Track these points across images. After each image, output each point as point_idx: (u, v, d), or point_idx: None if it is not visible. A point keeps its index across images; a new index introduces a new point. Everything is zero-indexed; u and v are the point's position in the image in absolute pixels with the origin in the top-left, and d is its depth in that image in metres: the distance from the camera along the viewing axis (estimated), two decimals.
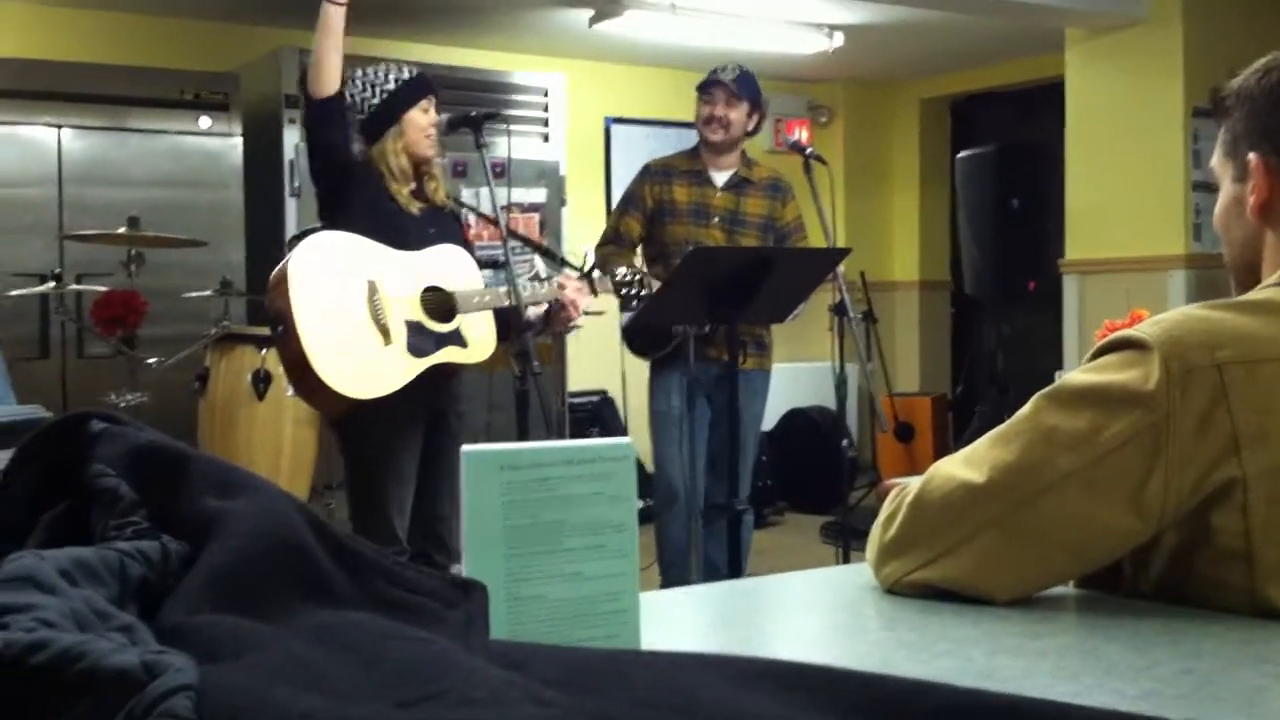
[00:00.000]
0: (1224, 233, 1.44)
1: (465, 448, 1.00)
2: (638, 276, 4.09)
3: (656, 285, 4.10)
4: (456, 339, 3.73)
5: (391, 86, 3.81)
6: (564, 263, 4.35)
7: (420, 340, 3.64)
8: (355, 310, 3.55)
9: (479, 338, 3.79)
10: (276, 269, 3.56)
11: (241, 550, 0.59)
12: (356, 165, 3.74)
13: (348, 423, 3.69)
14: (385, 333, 3.56)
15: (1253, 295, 1.33)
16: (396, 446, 3.70)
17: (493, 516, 1.00)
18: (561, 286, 3.92)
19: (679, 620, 1.32)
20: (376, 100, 3.79)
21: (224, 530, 0.60)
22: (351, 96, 3.80)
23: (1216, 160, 1.44)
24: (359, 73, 3.85)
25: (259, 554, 0.59)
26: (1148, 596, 1.30)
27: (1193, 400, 1.21)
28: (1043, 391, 1.31)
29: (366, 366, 3.52)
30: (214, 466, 0.67)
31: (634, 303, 4.12)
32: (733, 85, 4.56)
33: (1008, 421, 1.32)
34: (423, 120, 3.80)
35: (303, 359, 3.43)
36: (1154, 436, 1.22)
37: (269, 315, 3.62)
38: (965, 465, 1.32)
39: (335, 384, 3.44)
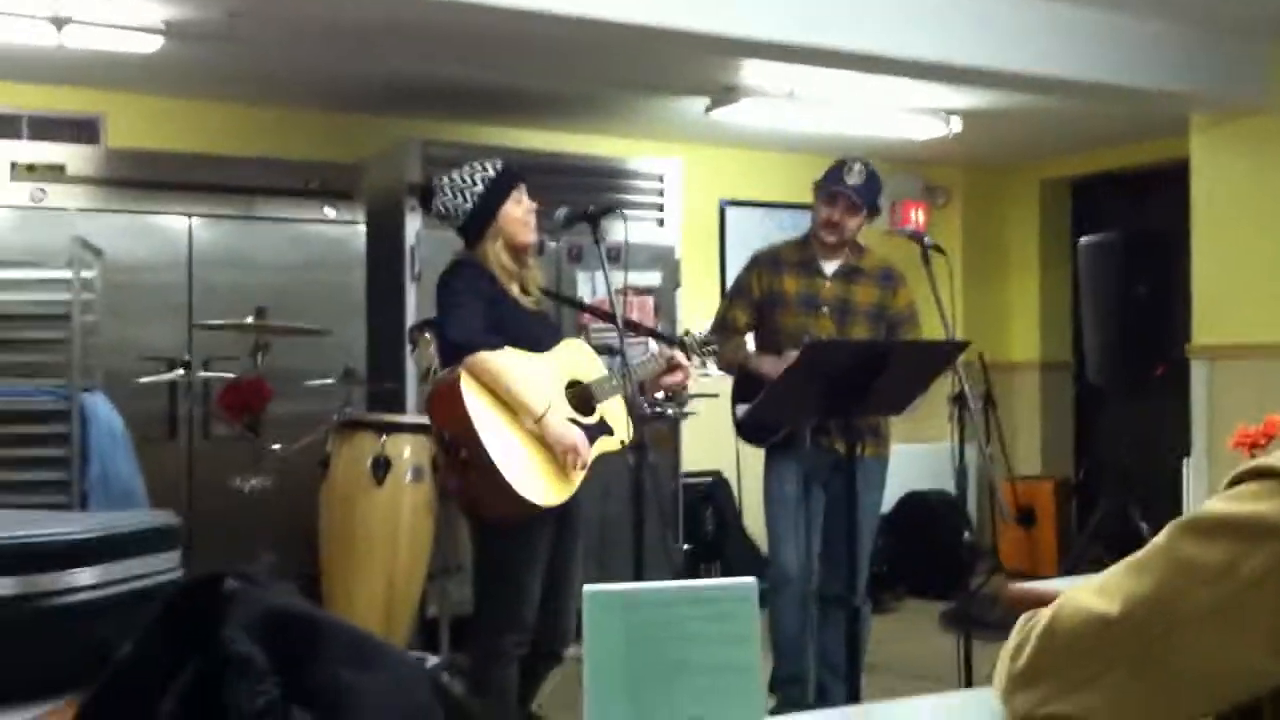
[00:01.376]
0: None
1: (588, 588, 1.00)
2: (706, 334, 4.32)
3: (751, 348, 4.29)
4: (605, 428, 3.84)
5: (480, 188, 3.82)
6: (659, 335, 4.46)
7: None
8: (519, 420, 3.68)
9: (619, 422, 3.88)
10: (441, 387, 3.68)
11: None
12: (478, 285, 3.77)
13: (500, 523, 3.77)
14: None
15: None
16: (538, 547, 3.78)
17: (615, 656, 1.00)
18: (671, 363, 4.04)
19: None
20: (469, 205, 3.82)
21: (357, 708, 0.60)
22: (444, 206, 3.86)
23: None
24: (445, 180, 3.88)
25: None
26: None
27: None
28: (1178, 521, 1.27)
29: (549, 472, 3.69)
30: (348, 635, 0.68)
31: (708, 362, 4.32)
32: (855, 196, 4.53)
33: (1142, 550, 1.28)
34: (517, 212, 3.85)
35: (494, 474, 3.56)
36: None
37: (440, 434, 3.75)
38: (1098, 595, 1.28)
39: (531, 495, 3.62)
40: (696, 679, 1.01)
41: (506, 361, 3.66)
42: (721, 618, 1.02)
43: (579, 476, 3.77)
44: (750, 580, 1.03)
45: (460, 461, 3.66)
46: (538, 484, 3.66)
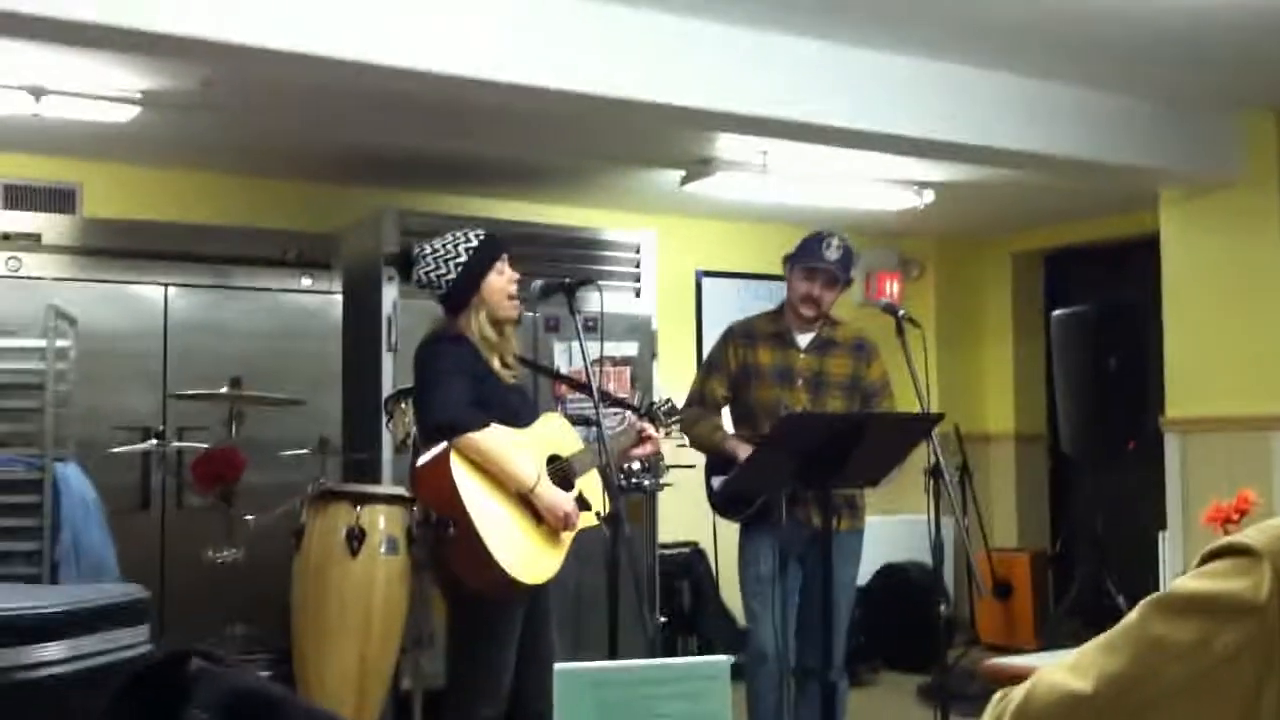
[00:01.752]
0: None
1: (558, 666, 0.99)
2: (667, 401, 4.34)
3: (727, 425, 4.30)
4: (584, 504, 3.81)
5: (463, 257, 3.80)
6: (621, 403, 4.48)
7: None
8: (508, 496, 3.70)
9: (596, 496, 3.87)
10: (429, 464, 3.66)
11: None
12: (461, 360, 3.75)
13: (472, 598, 3.75)
14: (537, 516, 3.73)
15: None
16: (514, 619, 3.77)
17: None
18: (641, 432, 4.05)
19: None
20: (452, 275, 3.79)
21: None
22: (425, 276, 3.83)
23: None
24: (427, 249, 3.86)
25: None
26: None
27: None
28: (1150, 598, 1.27)
29: (535, 550, 3.70)
30: (310, 716, 0.67)
31: (673, 429, 4.33)
32: (836, 270, 4.56)
33: (1115, 628, 1.28)
34: (500, 282, 3.84)
35: (483, 552, 3.54)
36: (1266, 648, 1.17)
37: (427, 511, 3.73)
38: (1071, 673, 1.27)
39: (518, 574, 3.61)
40: None
41: (496, 438, 3.66)
42: (693, 696, 1.01)
43: (563, 553, 3.76)
44: (723, 659, 1.02)
45: (448, 539, 3.64)
46: (524, 561, 3.65)
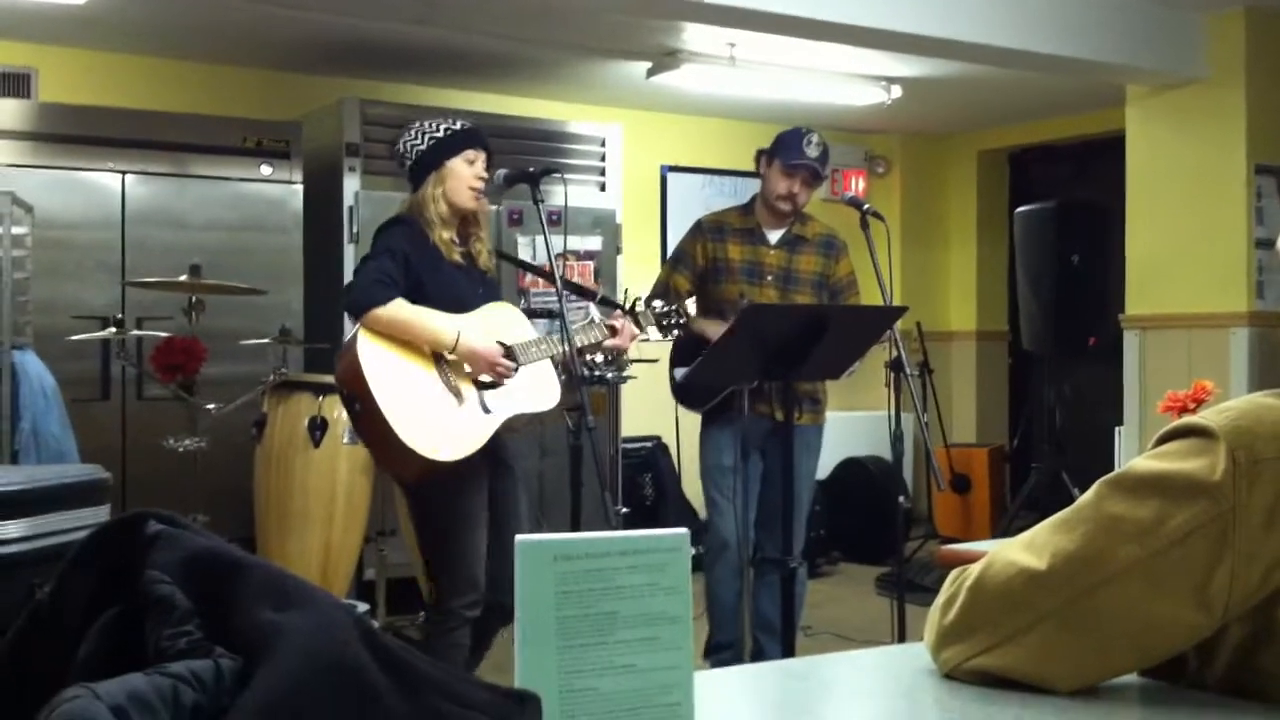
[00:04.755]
0: None
1: (520, 538, 1.00)
2: (674, 307, 4.16)
3: (692, 311, 4.18)
4: (523, 390, 3.78)
5: (440, 135, 3.81)
6: (608, 301, 4.41)
7: (491, 397, 3.69)
8: (426, 377, 3.65)
9: (543, 386, 3.83)
10: (345, 344, 3.63)
11: (296, 673, 0.58)
12: (400, 242, 3.73)
13: (419, 483, 3.73)
14: (457, 394, 3.67)
15: None
16: (471, 503, 3.75)
17: (546, 607, 0.99)
18: (611, 329, 3.98)
19: (733, 709, 1.30)
20: (423, 146, 3.80)
21: (278, 650, 0.60)
22: (402, 145, 3.85)
23: None
24: (416, 124, 3.88)
25: (313, 676, 0.58)
26: (1212, 689, 1.27)
27: (1260, 492, 1.19)
28: (1106, 478, 1.29)
29: (447, 429, 3.63)
30: (270, 575, 0.67)
31: (673, 333, 4.20)
32: (817, 166, 4.54)
33: (1070, 507, 1.30)
34: (466, 171, 3.79)
35: (386, 430, 3.50)
36: (1220, 528, 1.19)
37: (342, 390, 3.72)
38: (1026, 551, 1.29)
39: (422, 449, 3.54)
40: (628, 630, 1.01)
41: (406, 307, 3.61)
42: (654, 568, 1.02)
43: (490, 429, 3.69)
44: (683, 530, 1.03)
45: (358, 416, 3.64)
46: (436, 437, 3.58)
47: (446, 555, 3.76)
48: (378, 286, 3.62)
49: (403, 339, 3.63)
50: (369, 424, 3.59)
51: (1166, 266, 6.26)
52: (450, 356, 3.66)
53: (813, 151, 4.53)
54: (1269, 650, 1.22)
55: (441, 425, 3.62)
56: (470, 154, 3.81)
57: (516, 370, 3.73)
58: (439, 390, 3.66)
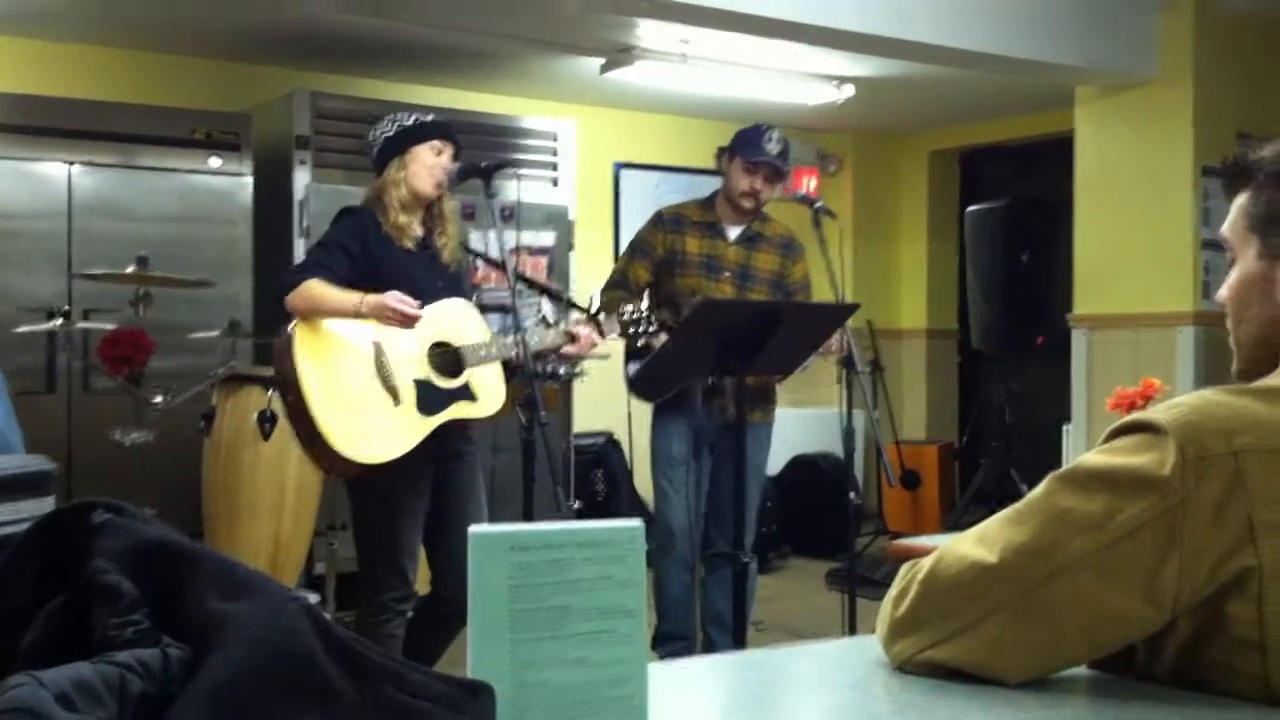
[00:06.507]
0: (1239, 309, 1.41)
1: (473, 529, 0.99)
2: (645, 315, 4.05)
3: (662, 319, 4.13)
4: (466, 394, 3.75)
5: (408, 124, 3.82)
6: (570, 304, 4.37)
7: (430, 398, 3.67)
8: (363, 374, 3.60)
9: (488, 390, 3.80)
10: (283, 334, 3.58)
11: (244, 662, 0.58)
12: (347, 234, 3.72)
13: (355, 478, 3.69)
14: (394, 394, 3.63)
15: (1272, 381, 1.31)
16: (407, 498, 3.71)
17: (499, 599, 0.99)
18: (571, 336, 3.93)
19: (686, 701, 1.30)
20: (391, 133, 3.81)
21: (228, 638, 0.59)
22: (374, 132, 3.85)
23: (1236, 230, 1.39)
24: (388, 115, 3.89)
25: (262, 665, 0.58)
26: (1160, 681, 1.28)
27: (1209, 487, 1.20)
28: (1056, 473, 1.30)
29: (378, 430, 3.58)
30: (220, 565, 0.66)
31: (640, 342, 4.10)
32: (778, 163, 4.55)
33: (1021, 501, 1.31)
34: (430, 158, 3.78)
35: (313, 426, 3.46)
36: (1169, 523, 1.20)
37: (276, 380, 3.67)
38: (977, 544, 1.30)
39: (347, 450, 3.51)
40: (582, 623, 1.01)
41: (318, 285, 3.57)
42: (609, 560, 1.01)
43: (422, 433, 3.62)
44: (638, 521, 1.02)
45: (287, 406, 3.60)
46: (358, 435, 3.54)
47: (376, 547, 3.73)
48: (292, 273, 3.63)
49: (322, 317, 3.59)
50: (297, 416, 3.55)
51: (1114, 266, 6.31)
52: (368, 321, 3.58)
53: (773, 148, 4.54)
54: (1216, 643, 1.23)
55: (369, 424, 3.57)
56: (438, 144, 3.81)
57: (421, 308, 3.63)
58: (374, 389, 3.60)
